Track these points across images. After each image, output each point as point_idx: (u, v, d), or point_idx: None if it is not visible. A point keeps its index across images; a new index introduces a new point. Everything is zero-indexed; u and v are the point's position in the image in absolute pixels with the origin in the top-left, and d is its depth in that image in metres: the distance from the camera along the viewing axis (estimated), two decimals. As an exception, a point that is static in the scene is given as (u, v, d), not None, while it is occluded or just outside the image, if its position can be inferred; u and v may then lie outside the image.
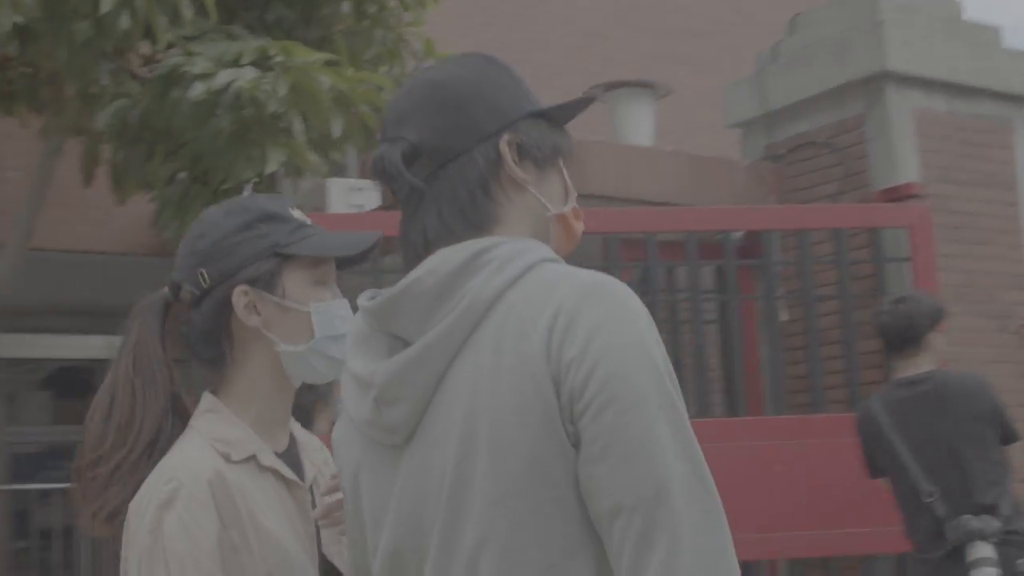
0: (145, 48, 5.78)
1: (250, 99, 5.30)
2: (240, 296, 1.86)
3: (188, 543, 1.70)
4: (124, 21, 5.18)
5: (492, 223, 1.58)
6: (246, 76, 5.29)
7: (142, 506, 1.74)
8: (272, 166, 5.38)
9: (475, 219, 1.58)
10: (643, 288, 5.68)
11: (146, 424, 1.83)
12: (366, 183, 10.08)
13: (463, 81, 1.63)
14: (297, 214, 1.94)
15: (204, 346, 1.89)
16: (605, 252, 5.91)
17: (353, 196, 9.74)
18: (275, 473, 1.86)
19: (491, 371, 1.44)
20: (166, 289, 1.92)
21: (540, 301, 1.46)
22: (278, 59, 5.39)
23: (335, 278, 1.94)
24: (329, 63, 5.76)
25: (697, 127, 10.78)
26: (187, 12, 5.24)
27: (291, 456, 1.92)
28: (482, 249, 1.52)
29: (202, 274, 1.87)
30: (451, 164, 1.58)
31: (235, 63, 5.53)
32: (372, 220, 5.66)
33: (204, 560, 1.70)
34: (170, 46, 5.73)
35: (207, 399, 1.89)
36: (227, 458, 1.80)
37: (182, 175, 5.95)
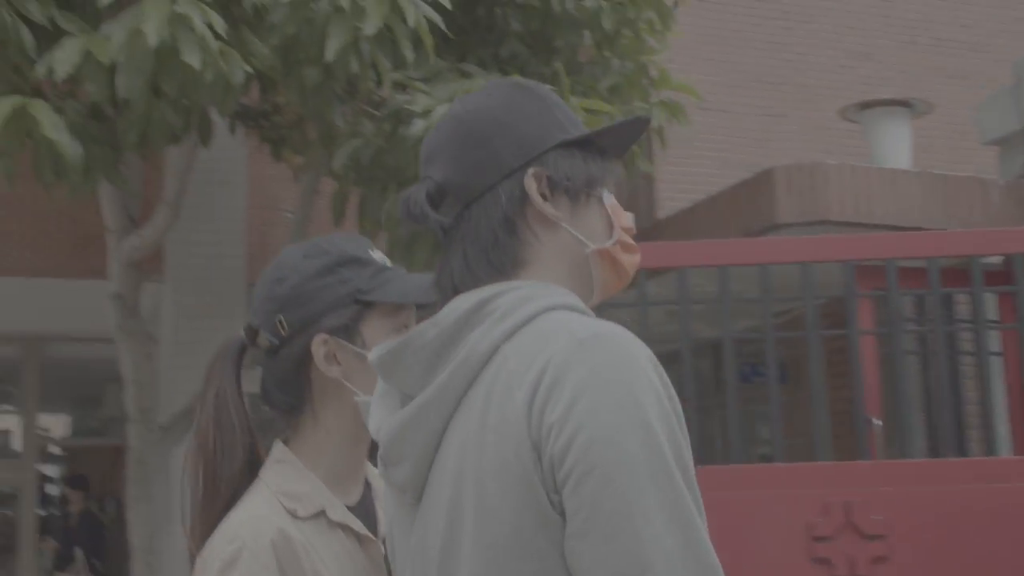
0: (387, 86, 5.94)
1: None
2: (320, 346, 1.79)
3: None
4: (353, 65, 5.34)
5: (518, 265, 1.49)
6: (455, 109, 5.34)
7: (207, 563, 1.71)
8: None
9: (498, 262, 1.48)
10: (885, 317, 5.38)
11: (222, 487, 1.80)
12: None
13: (487, 114, 1.54)
14: (377, 256, 1.87)
15: (280, 394, 1.84)
16: (843, 280, 5.62)
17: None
18: (345, 528, 1.79)
19: (477, 431, 1.35)
20: (242, 333, 1.88)
21: (531, 356, 1.34)
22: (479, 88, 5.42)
23: (414, 322, 1.87)
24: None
25: (972, 146, 10.16)
26: (408, 54, 5.34)
27: (364, 508, 1.85)
28: (489, 297, 1.42)
29: (280, 321, 1.81)
30: (476, 203, 1.50)
31: (463, 100, 5.60)
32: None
33: None
34: (402, 87, 5.87)
35: (278, 449, 1.84)
36: (293, 514, 1.74)
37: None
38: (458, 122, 1.54)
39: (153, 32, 4.78)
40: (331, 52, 5.15)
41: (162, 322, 9.26)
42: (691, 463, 1.31)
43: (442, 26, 5.47)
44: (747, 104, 10.05)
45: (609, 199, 1.57)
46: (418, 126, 5.46)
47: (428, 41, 5.33)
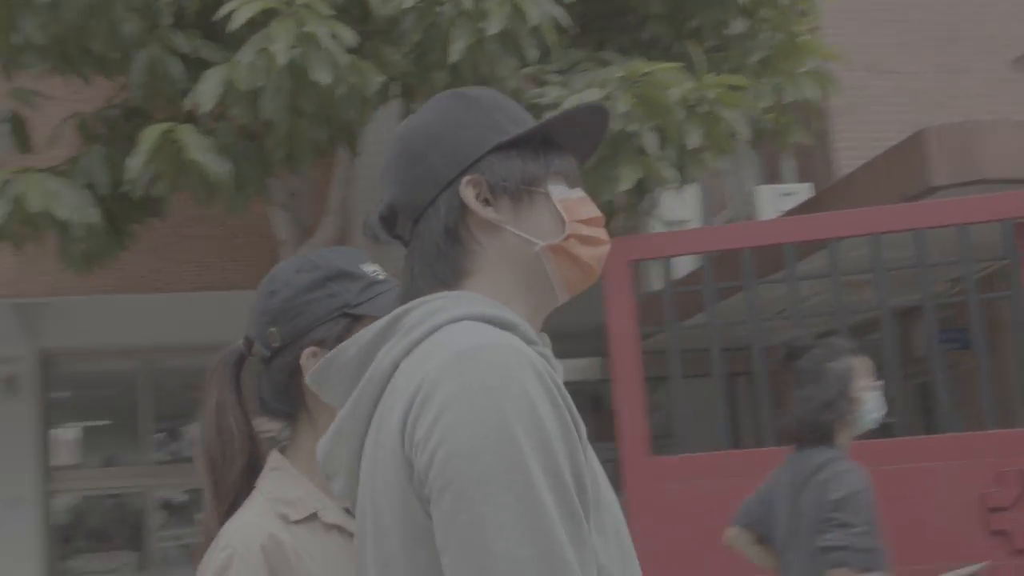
0: (514, 83, 6.01)
1: (595, 121, 5.35)
2: (309, 358, 1.84)
3: None
4: (483, 66, 5.42)
5: (461, 276, 1.49)
6: (586, 98, 5.36)
7: (202, 570, 1.78)
8: (625, 184, 5.38)
9: (441, 274, 1.49)
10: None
11: (224, 492, 1.87)
12: (796, 188, 9.82)
13: (423, 129, 1.55)
14: (369, 269, 1.90)
15: (276, 403, 1.90)
16: (1003, 240, 5.36)
17: (783, 202, 9.54)
18: (341, 530, 1.82)
19: (373, 449, 1.37)
20: (241, 342, 1.94)
21: (414, 371, 1.34)
22: (617, 75, 5.40)
23: None
24: (679, 71, 5.67)
25: None
26: (531, 52, 5.39)
27: None
28: (402, 312, 1.43)
29: (272, 333, 1.87)
30: (422, 219, 1.51)
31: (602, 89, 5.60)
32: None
33: None
34: (538, 81, 5.93)
35: (274, 457, 1.89)
36: (286, 519, 1.79)
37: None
38: (399, 141, 1.56)
39: (281, 52, 4.98)
40: (456, 53, 5.25)
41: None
42: (573, 475, 1.29)
43: (564, 23, 5.49)
44: (925, 62, 9.64)
45: (561, 193, 1.55)
46: (547, 119, 5.50)
47: (552, 38, 5.36)
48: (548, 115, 4.97)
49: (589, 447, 1.39)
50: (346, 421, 1.43)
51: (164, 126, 5.33)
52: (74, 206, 5.55)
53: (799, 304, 5.23)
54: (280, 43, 4.97)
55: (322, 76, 5.00)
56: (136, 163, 5.24)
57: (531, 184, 1.53)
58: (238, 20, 5.16)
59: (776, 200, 9.45)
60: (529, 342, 1.44)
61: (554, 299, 1.56)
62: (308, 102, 5.24)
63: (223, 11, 5.21)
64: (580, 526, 1.27)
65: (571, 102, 5.39)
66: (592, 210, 1.57)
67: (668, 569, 5.16)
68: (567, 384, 1.43)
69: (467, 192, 1.50)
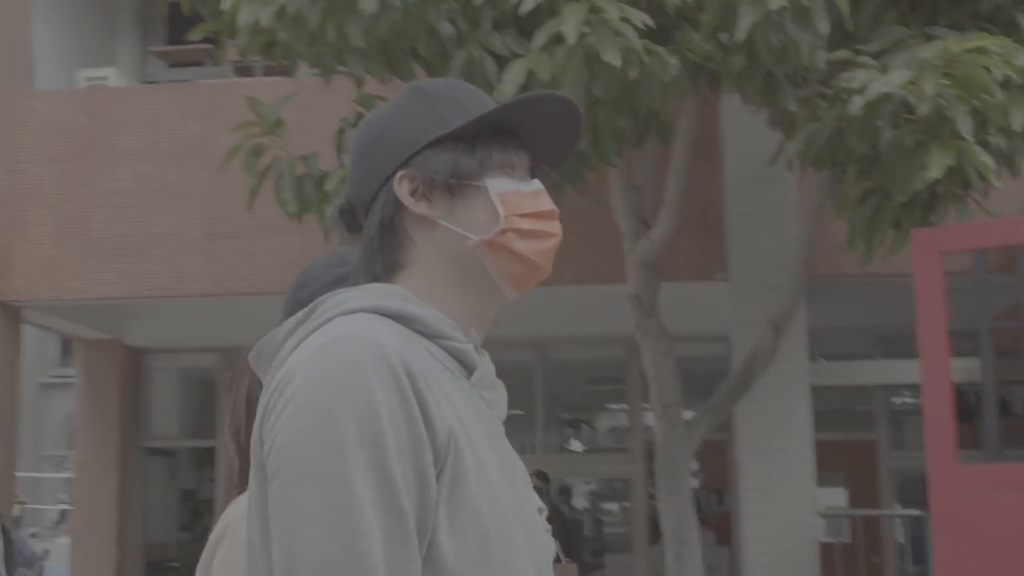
0: (810, 61, 5.72)
1: (902, 104, 5.00)
2: None
3: None
4: (773, 39, 5.22)
5: (393, 270, 1.52)
6: (893, 82, 5.01)
7: (208, 541, 1.94)
8: (936, 172, 4.99)
9: (374, 268, 1.53)
10: None
11: (246, 477, 1.96)
12: None
13: (375, 124, 1.58)
14: None
15: None
16: None
17: None
18: None
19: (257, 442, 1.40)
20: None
21: (284, 364, 1.38)
22: (923, 55, 5.01)
23: None
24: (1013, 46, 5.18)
25: None
26: (823, 27, 5.12)
27: None
28: (317, 303, 1.45)
29: None
30: (368, 213, 1.55)
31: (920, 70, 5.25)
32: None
33: None
34: (847, 64, 5.62)
35: None
36: None
37: (870, 194, 5.76)
38: (356, 135, 1.60)
39: (571, 32, 5.03)
40: (742, 32, 5.09)
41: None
42: (414, 472, 1.29)
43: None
44: None
45: (503, 186, 1.52)
46: (856, 103, 5.21)
47: (845, 10, 5.07)
48: (856, 99, 4.68)
49: (476, 444, 1.38)
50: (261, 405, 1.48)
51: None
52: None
53: None
54: (570, 24, 5.02)
55: (612, 57, 5.00)
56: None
57: (463, 178, 1.52)
58: (528, 4, 5.28)
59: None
60: (436, 336, 1.45)
61: (498, 294, 1.55)
62: (602, 88, 5.24)
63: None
64: (402, 523, 1.26)
65: (876, 87, 5.07)
66: (541, 203, 1.55)
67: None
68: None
69: (401, 187, 1.52)
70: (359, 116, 6.67)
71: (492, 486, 1.38)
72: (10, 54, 11.72)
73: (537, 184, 1.57)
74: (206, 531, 12.95)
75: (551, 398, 13.29)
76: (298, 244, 10.58)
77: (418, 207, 1.51)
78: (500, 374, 1.59)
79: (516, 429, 14.17)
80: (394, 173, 1.52)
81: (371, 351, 1.31)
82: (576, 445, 14.80)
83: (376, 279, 1.51)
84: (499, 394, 1.55)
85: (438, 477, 1.32)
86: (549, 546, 1.56)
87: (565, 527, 11.69)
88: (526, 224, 1.52)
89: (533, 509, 1.52)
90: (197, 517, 13.99)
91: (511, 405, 1.63)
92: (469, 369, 1.48)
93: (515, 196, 1.53)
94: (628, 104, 5.48)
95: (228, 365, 13.41)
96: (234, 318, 12.31)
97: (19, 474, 13.37)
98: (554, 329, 12.41)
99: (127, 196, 11.07)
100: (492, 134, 1.54)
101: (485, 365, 1.52)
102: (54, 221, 11.17)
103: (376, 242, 1.52)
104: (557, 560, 11.06)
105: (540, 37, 5.23)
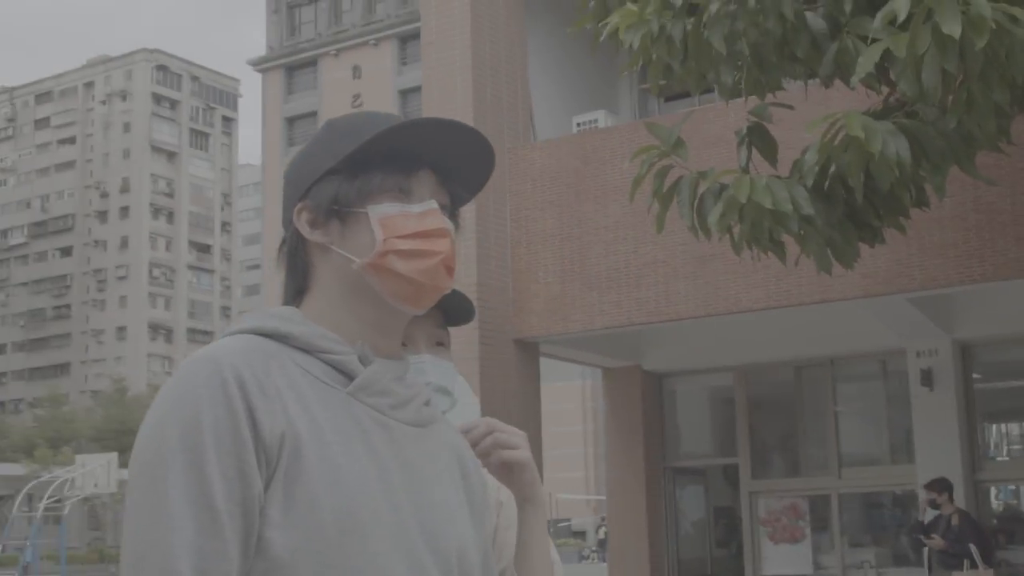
0: None
1: None
2: None
3: None
4: None
5: (299, 293, 1.70)
6: None
7: None
8: None
9: (288, 294, 1.72)
10: None
11: None
12: None
13: (293, 160, 1.76)
14: None
15: None
16: None
17: None
18: None
19: None
20: None
21: None
22: None
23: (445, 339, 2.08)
24: None
25: None
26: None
27: None
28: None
29: None
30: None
31: None
32: None
33: None
34: None
35: None
36: None
37: None
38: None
39: (902, 8, 4.75)
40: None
41: None
42: (236, 473, 1.45)
43: None
44: None
45: (386, 211, 1.64)
46: None
47: None
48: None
49: (331, 448, 1.52)
50: None
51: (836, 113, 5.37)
52: (783, 198, 5.75)
53: None
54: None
55: (952, 28, 4.62)
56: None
57: (343, 205, 1.66)
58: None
59: None
60: (314, 350, 1.61)
61: (395, 310, 1.67)
62: (952, 62, 4.82)
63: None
64: (215, 519, 1.44)
65: None
66: (423, 223, 1.65)
67: None
68: None
69: (300, 218, 1.70)
70: (753, 126, 6.62)
71: (342, 485, 1.50)
72: (513, 110, 12.80)
73: (430, 204, 1.67)
74: (740, 547, 13.18)
75: None
76: (774, 259, 10.54)
77: (313, 235, 1.66)
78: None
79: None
80: (295, 205, 1.68)
81: (208, 368, 1.49)
82: None
83: (289, 301, 1.69)
84: (401, 399, 1.65)
85: (272, 476, 1.48)
86: (463, 545, 1.63)
87: (979, 533, 10.75)
88: (405, 245, 1.62)
89: (438, 508, 1.61)
90: (732, 534, 14.22)
91: None
92: (350, 378, 1.60)
93: (397, 219, 1.64)
94: (999, 75, 5.00)
95: (743, 383, 13.57)
96: (746, 336, 12.49)
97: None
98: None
99: (619, 230, 11.65)
100: (386, 160, 1.65)
101: (381, 373, 1.63)
102: (556, 261, 12.01)
103: (287, 268, 1.71)
104: (973, 566, 10.02)
105: (881, 18, 4.96)
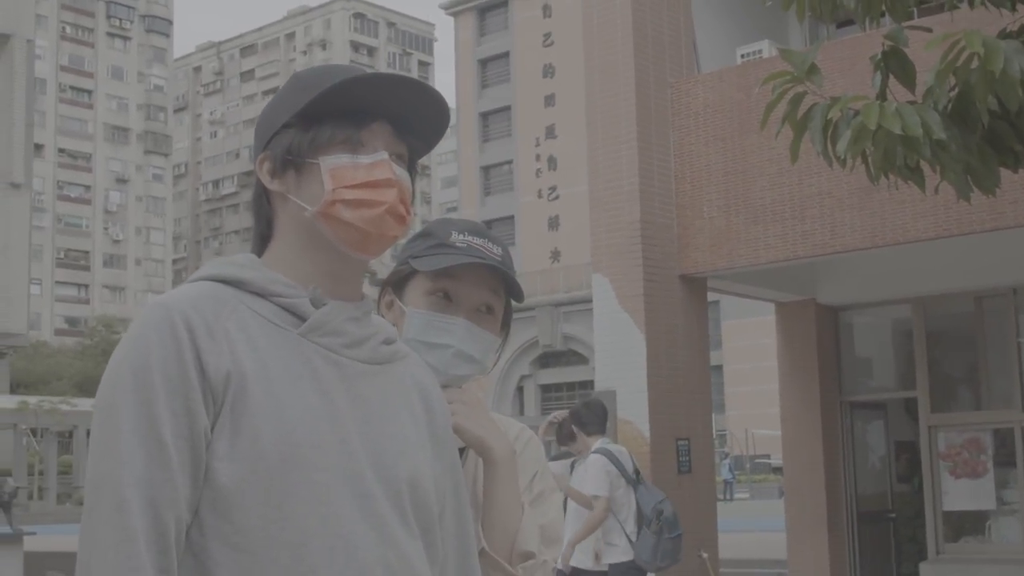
0: None
1: None
2: (384, 295, 2.27)
3: None
4: None
5: (263, 240, 1.83)
6: None
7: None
8: None
9: (255, 240, 1.85)
10: None
11: None
12: None
13: (261, 113, 1.89)
14: (459, 238, 2.18)
15: None
16: None
17: None
18: None
19: None
20: None
21: None
22: None
23: (469, 297, 2.18)
24: None
25: None
26: None
27: None
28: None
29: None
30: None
31: None
32: None
33: None
34: None
35: None
36: None
37: None
38: None
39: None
40: None
41: None
42: (184, 409, 1.58)
43: None
44: None
45: (336, 161, 1.74)
46: None
47: None
48: None
49: (276, 384, 1.64)
50: None
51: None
52: (914, 122, 5.55)
53: None
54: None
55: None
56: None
57: (296, 155, 1.78)
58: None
59: None
60: (267, 294, 1.75)
61: (347, 256, 1.79)
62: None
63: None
64: (163, 450, 1.59)
65: None
66: (371, 174, 1.76)
67: None
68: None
69: (262, 168, 1.83)
70: (888, 50, 6.41)
71: (284, 418, 1.62)
72: (675, 44, 12.66)
73: (380, 155, 1.76)
74: (922, 483, 12.89)
75: None
76: (944, 186, 10.16)
77: (272, 184, 1.78)
78: None
79: None
80: (258, 155, 1.81)
81: (158, 314, 1.63)
82: None
83: (255, 246, 1.82)
84: (356, 338, 1.76)
85: (219, 412, 1.61)
86: (415, 475, 1.74)
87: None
88: (351, 195, 1.73)
89: (390, 440, 1.73)
90: (914, 468, 13.90)
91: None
92: (303, 320, 1.72)
93: (347, 169, 1.74)
94: None
95: (921, 314, 13.18)
96: (922, 266, 12.13)
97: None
98: None
99: (782, 162, 11.41)
100: (340, 113, 1.76)
101: (334, 315, 1.74)
102: (720, 195, 11.89)
103: (253, 216, 1.85)
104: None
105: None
